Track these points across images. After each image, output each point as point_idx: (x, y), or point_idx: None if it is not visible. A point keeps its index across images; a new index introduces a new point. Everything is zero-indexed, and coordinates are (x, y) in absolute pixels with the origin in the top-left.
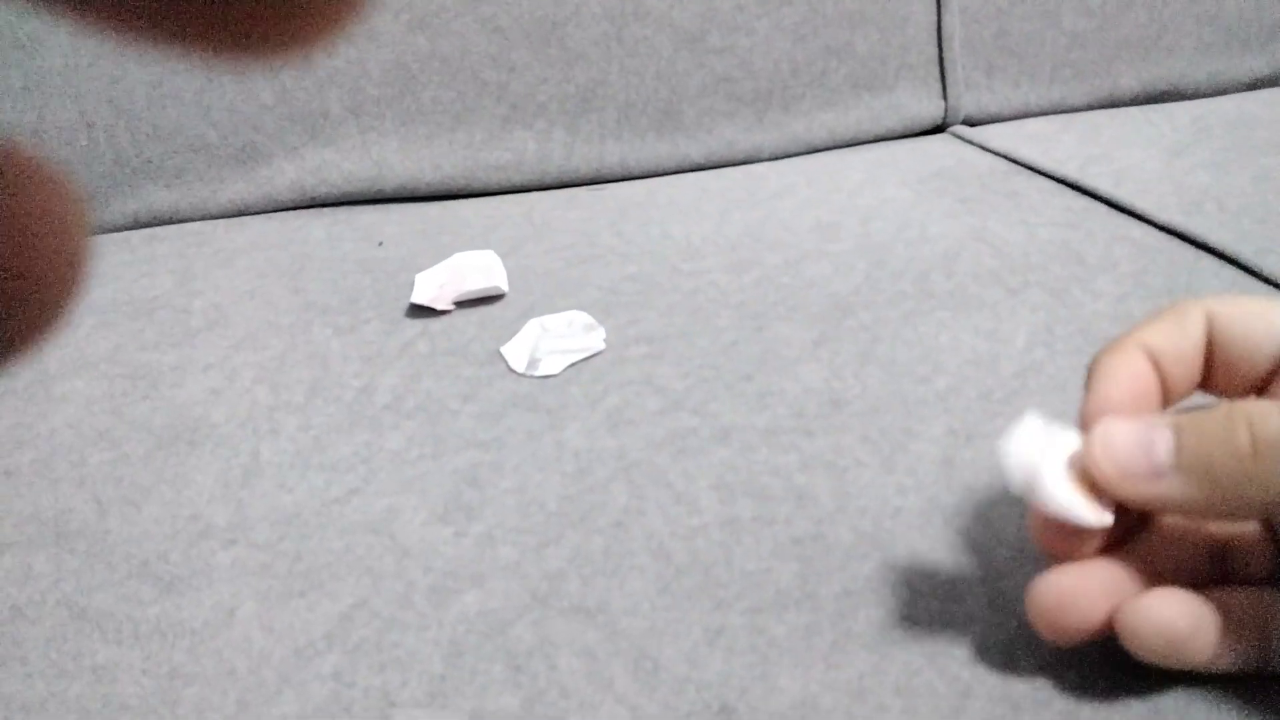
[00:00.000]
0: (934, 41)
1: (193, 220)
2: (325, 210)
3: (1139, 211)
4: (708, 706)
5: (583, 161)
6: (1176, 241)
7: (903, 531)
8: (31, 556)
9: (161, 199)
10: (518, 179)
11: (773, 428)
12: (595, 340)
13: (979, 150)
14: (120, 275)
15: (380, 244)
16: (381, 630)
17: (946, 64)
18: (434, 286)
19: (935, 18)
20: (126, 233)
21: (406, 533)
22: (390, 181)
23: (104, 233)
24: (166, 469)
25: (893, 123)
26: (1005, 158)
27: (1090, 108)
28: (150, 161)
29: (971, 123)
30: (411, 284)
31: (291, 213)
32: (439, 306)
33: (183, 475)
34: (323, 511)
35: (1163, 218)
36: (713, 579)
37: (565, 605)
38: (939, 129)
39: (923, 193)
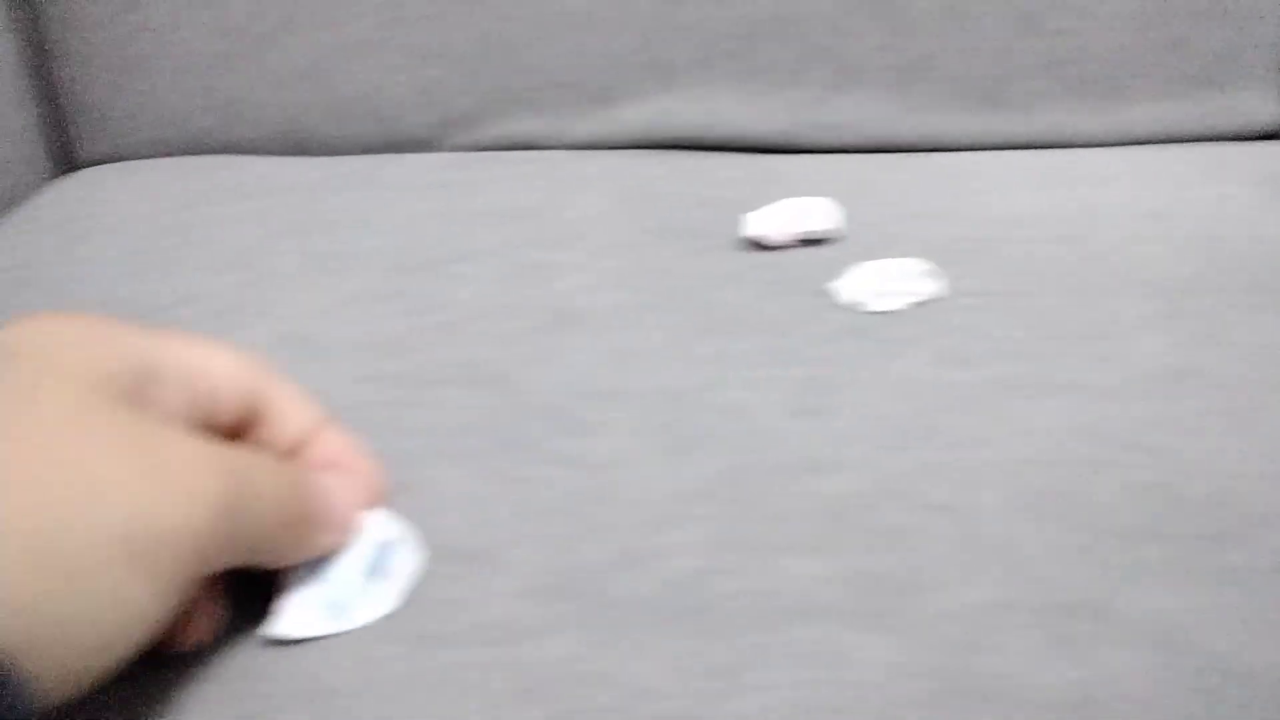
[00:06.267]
0: None
1: (551, 148)
2: (663, 152)
3: None
4: (1079, 601)
5: (908, 129)
6: None
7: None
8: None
9: (528, 126)
10: (845, 140)
11: (1112, 387)
12: (933, 285)
13: None
14: (496, 186)
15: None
16: (756, 493)
17: None
18: (770, 223)
19: None
20: (499, 152)
21: (764, 421)
22: (723, 130)
23: (480, 150)
24: (550, 344)
25: (1225, 123)
26: None
27: None
28: (522, 92)
29: None
30: (746, 222)
31: (631, 151)
32: (775, 242)
33: (561, 353)
34: (686, 395)
35: None
36: (1071, 504)
37: (922, 503)
38: (1275, 135)
39: (1262, 193)
